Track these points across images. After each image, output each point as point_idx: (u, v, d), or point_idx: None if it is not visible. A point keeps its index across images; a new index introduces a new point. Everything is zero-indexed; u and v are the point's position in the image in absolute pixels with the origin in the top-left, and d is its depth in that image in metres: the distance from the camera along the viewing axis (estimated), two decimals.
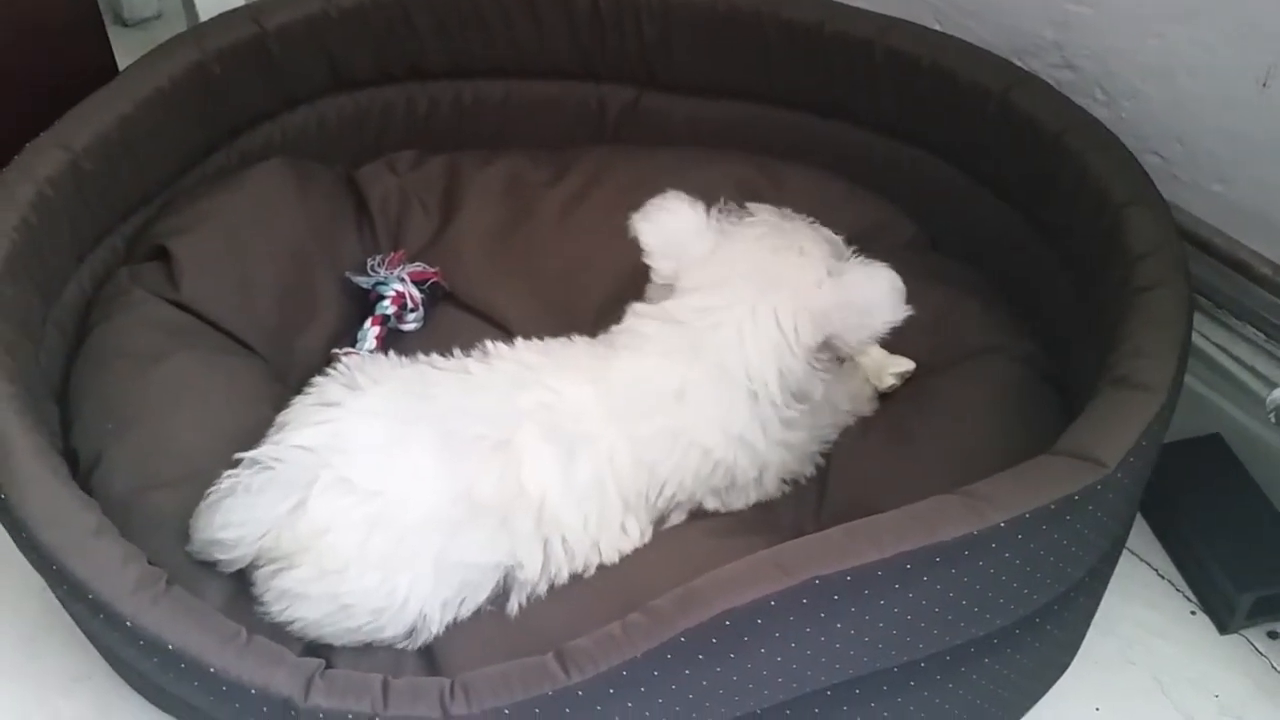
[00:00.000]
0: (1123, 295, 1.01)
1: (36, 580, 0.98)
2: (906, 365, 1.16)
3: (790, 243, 1.06)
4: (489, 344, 1.06)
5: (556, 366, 1.03)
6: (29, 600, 1.12)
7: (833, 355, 1.04)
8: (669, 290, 1.06)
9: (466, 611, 0.98)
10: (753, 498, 1.08)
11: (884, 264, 1.04)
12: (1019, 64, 1.22)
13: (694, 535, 1.06)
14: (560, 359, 1.04)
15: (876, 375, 1.15)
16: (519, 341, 1.08)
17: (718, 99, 1.37)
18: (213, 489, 0.96)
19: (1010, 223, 1.22)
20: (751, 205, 1.11)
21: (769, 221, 1.09)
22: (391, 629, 0.95)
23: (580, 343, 1.08)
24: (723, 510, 1.07)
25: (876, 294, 1.01)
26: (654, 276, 1.06)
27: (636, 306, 1.07)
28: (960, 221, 1.28)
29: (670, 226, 1.06)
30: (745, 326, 1.01)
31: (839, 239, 1.10)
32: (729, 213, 1.09)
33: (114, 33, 1.42)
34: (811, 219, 1.11)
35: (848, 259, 1.07)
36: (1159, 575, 1.18)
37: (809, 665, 0.86)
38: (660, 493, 1.03)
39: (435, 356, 1.06)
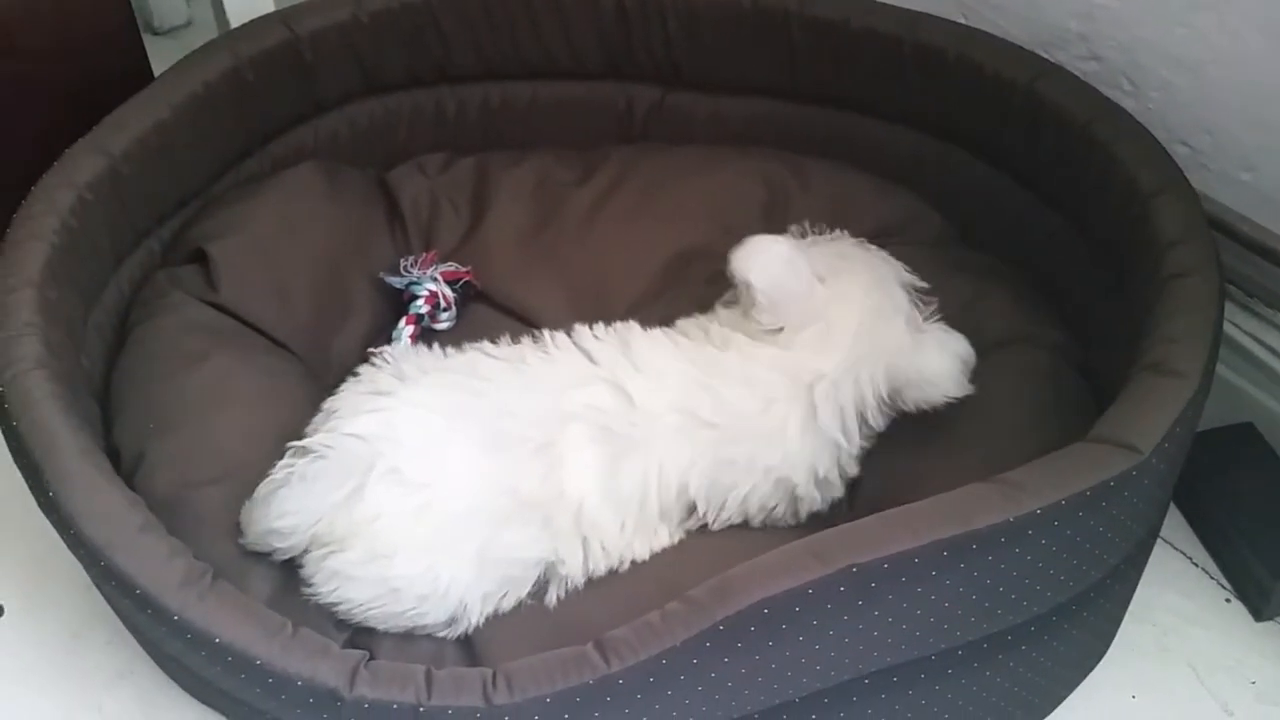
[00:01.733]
0: (1153, 283, 1.01)
1: (81, 577, 1.00)
2: None
3: (888, 302, 1.08)
4: (546, 334, 1.07)
5: (634, 368, 1.04)
6: (73, 597, 1.14)
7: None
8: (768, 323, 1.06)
9: (508, 605, 1.00)
10: (801, 520, 1.09)
11: (960, 336, 1.08)
12: (1045, 56, 1.23)
13: (730, 528, 1.06)
14: (642, 362, 1.04)
15: None
16: (583, 330, 1.08)
17: (743, 96, 1.38)
18: (266, 480, 0.98)
19: (1038, 214, 1.22)
20: (833, 234, 1.13)
21: (866, 264, 1.10)
22: (434, 615, 0.97)
23: (664, 345, 1.07)
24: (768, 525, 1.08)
25: (945, 367, 1.05)
26: (757, 317, 1.06)
27: (742, 342, 1.06)
28: (988, 214, 1.28)
29: (784, 282, 1.05)
30: (846, 387, 1.04)
31: (912, 278, 1.11)
32: (815, 237, 1.12)
33: (151, 44, 1.44)
34: (888, 254, 1.12)
35: (928, 316, 1.09)
36: (1193, 564, 1.18)
37: (847, 653, 0.87)
38: (719, 513, 1.05)
39: (486, 343, 1.07)
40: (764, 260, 1.06)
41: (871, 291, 1.07)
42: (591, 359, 1.04)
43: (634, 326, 1.09)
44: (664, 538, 1.04)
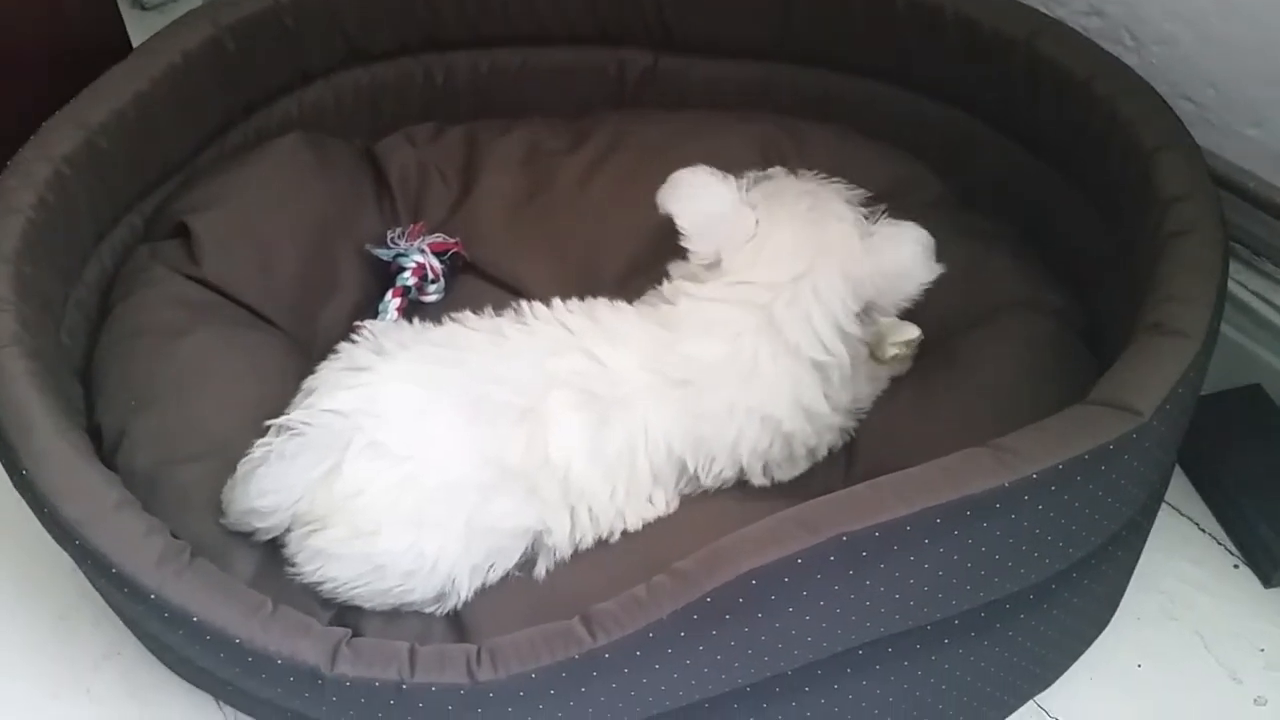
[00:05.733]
0: (1155, 242, 0.98)
1: (66, 559, 0.98)
2: (911, 333, 1.12)
3: (826, 210, 1.06)
4: (525, 304, 1.05)
5: (603, 335, 1.02)
6: (59, 578, 1.12)
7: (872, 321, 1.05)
8: (703, 270, 1.05)
9: (495, 577, 0.98)
10: (801, 468, 1.07)
11: (911, 223, 1.04)
12: (1044, 12, 1.19)
13: (721, 499, 1.05)
14: (608, 328, 1.03)
15: (878, 345, 1.12)
16: (557, 303, 1.06)
17: (736, 59, 1.35)
18: (245, 459, 0.96)
19: (1039, 174, 1.20)
20: (770, 170, 1.10)
21: (799, 188, 1.08)
22: (421, 591, 0.95)
23: (628, 312, 1.06)
24: (767, 485, 1.06)
25: (908, 257, 1.02)
26: (691, 257, 1.05)
27: (687, 287, 1.05)
28: (988, 175, 1.25)
29: (706, 207, 1.05)
30: (810, 302, 1.01)
31: (858, 193, 1.09)
32: (752, 180, 1.08)
33: (133, 17, 1.42)
34: (825, 175, 1.10)
35: (876, 219, 1.06)
36: (1200, 529, 1.15)
37: (839, 624, 0.85)
38: (710, 467, 1.02)
39: (468, 314, 1.06)
40: (683, 190, 1.05)
41: (801, 199, 1.06)
42: (567, 328, 1.03)
43: (600, 301, 1.07)
44: (660, 504, 1.02)
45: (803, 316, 1.01)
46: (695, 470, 1.03)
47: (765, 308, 1.01)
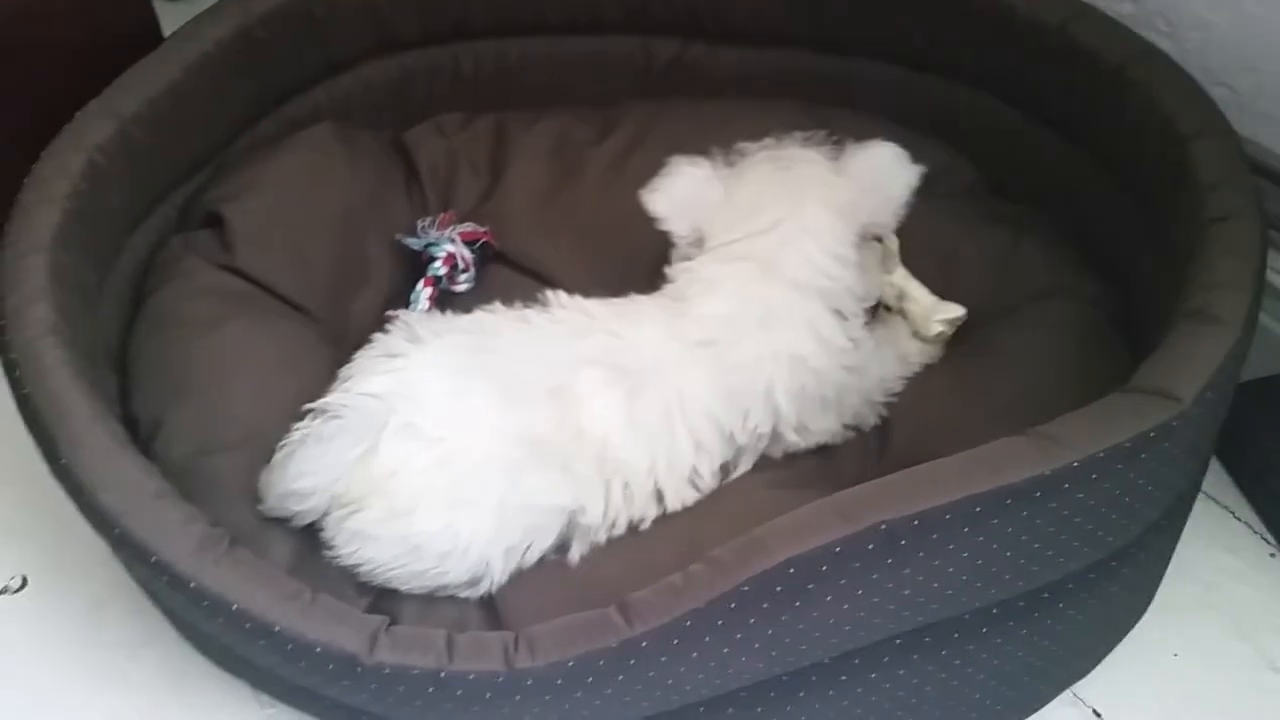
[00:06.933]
0: (1193, 228, 0.98)
1: (103, 547, 0.98)
2: (955, 311, 1.13)
3: (790, 157, 1.08)
4: (549, 293, 1.07)
5: (622, 316, 1.04)
6: (95, 568, 1.13)
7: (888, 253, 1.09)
8: (695, 250, 1.07)
9: (530, 559, 0.98)
10: (832, 424, 1.07)
11: (875, 140, 1.07)
12: None
13: (755, 487, 1.04)
14: (626, 311, 1.05)
15: (923, 322, 1.13)
16: (578, 296, 1.07)
17: (765, 47, 1.34)
18: (283, 444, 0.97)
19: (1074, 161, 1.19)
20: (738, 145, 1.12)
21: (761, 146, 1.11)
22: (455, 573, 0.95)
23: (642, 299, 1.08)
24: (801, 445, 1.07)
25: (883, 168, 1.05)
26: (675, 240, 1.08)
27: (683, 264, 1.07)
28: (1023, 162, 1.24)
29: (676, 189, 1.07)
30: (800, 238, 1.03)
31: (818, 135, 1.11)
32: (725, 159, 1.10)
33: (164, 7, 1.42)
34: (791, 134, 1.11)
35: (842, 150, 1.08)
36: (1236, 518, 1.14)
37: (877, 613, 0.84)
38: (745, 422, 1.03)
39: (497, 304, 1.07)
40: (663, 184, 1.07)
41: (761, 154, 1.09)
42: (588, 313, 1.05)
43: (611, 299, 1.08)
44: (705, 478, 1.03)
45: (797, 251, 1.03)
46: (731, 431, 1.03)
47: (756, 256, 1.03)
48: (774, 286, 1.03)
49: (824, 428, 1.07)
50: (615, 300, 1.08)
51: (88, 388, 0.94)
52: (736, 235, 1.05)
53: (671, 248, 1.09)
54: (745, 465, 1.06)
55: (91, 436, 0.91)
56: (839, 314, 1.05)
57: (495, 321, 1.05)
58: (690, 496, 1.02)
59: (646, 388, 1.00)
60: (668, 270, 1.08)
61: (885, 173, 1.04)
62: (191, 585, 0.84)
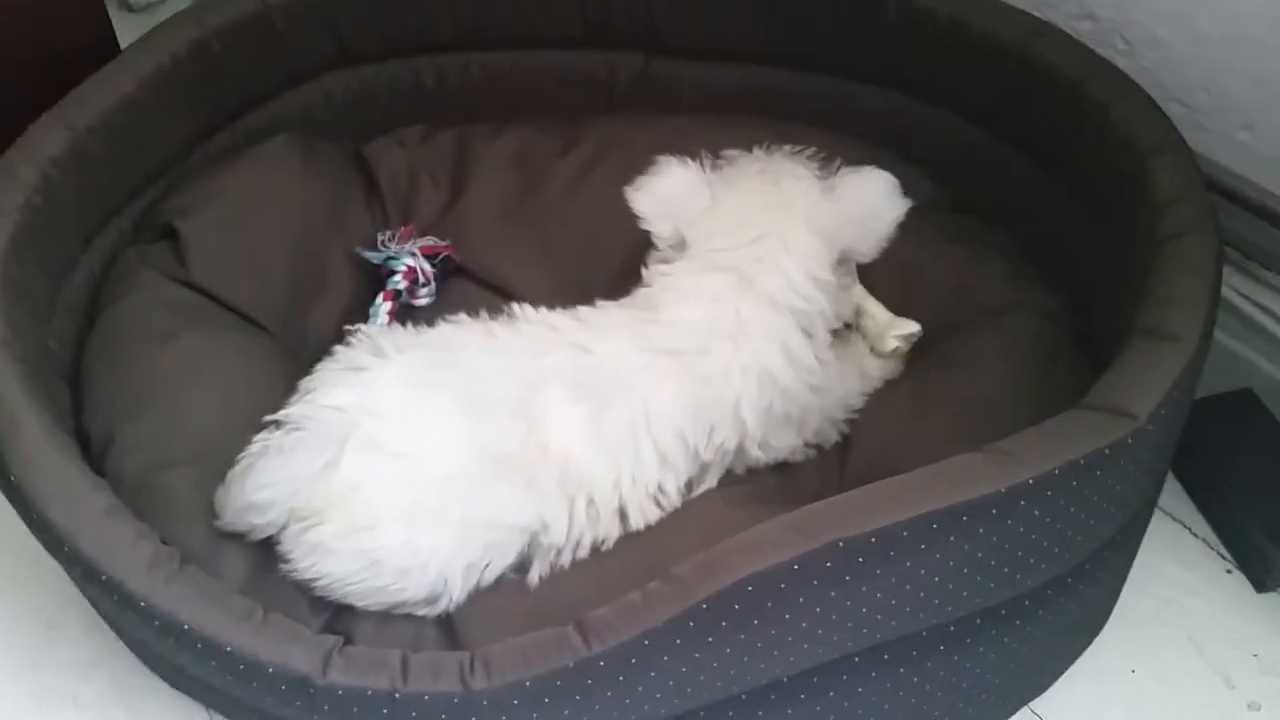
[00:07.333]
0: (1149, 245, 0.98)
1: (53, 566, 0.97)
2: (910, 327, 1.13)
3: (780, 170, 1.08)
4: (515, 306, 1.06)
5: (588, 328, 1.03)
6: (46, 586, 1.11)
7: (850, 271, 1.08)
8: (674, 253, 1.06)
9: (489, 578, 0.97)
10: (794, 440, 1.07)
11: (870, 167, 1.06)
12: (1037, 15, 1.19)
13: (716, 504, 1.04)
14: (592, 322, 1.05)
15: (879, 339, 1.13)
16: (542, 309, 1.07)
17: (728, 63, 1.34)
18: (242, 455, 0.96)
19: (1032, 177, 1.19)
20: (724, 153, 1.11)
21: (752, 157, 1.10)
22: (414, 590, 0.95)
23: (611, 307, 1.07)
24: (764, 460, 1.06)
25: (874, 197, 1.04)
26: (656, 241, 1.07)
27: (660, 268, 1.07)
28: (981, 178, 1.25)
29: (663, 189, 1.07)
30: (779, 255, 1.03)
31: (809, 151, 1.10)
32: (712, 165, 1.10)
33: (121, 19, 1.41)
34: (785, 147, 1.11)
35: (834, 171, 1.08)
36: (1193, 535, 1.15)
37: (835, 630, 0.84)
38: (710, 437, 1.02)
39: (463, 316, 1.06)
40: (651, 184, 1.07)
41: (753, 166, 1.08)
42: (552, 327, 1.04)
43: (580, 307, 1.08)
44: (670, 494, 1.02)
45: (775, 269, 1.02)
46: (696, 446, 1.02)
47: (735, 269, 1.03)
48: (748, 301, 1.02)
49: (787, 444, 1.07)
50: (582, 310, 1.07)
51: (38, 403, 0.93)
52: (718, 245, 1.04)
53: (647, 252, 1.09)
54: (710, 481, 1.05)
55: (41, 453, 0.89)
56: (808, 334, 1.04)
57: (459, 336, 1.04)
58: (654, 514, 1.02)
59: (611, 403, 0.99)
60: (644, 273, 1.07)
61: (874, 202, 1.03)
62: (142, 604, 0.83)
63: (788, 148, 1.10)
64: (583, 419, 0.99)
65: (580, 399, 0.99)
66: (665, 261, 1.06)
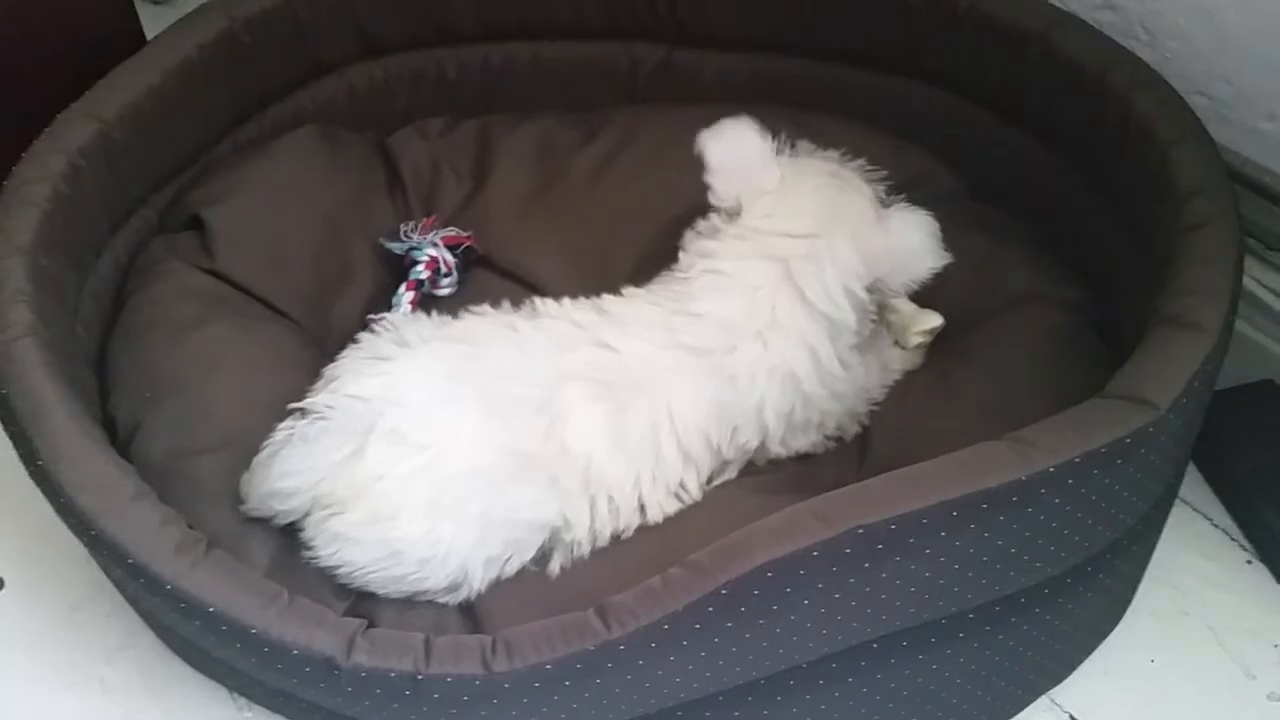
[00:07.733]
0: (1171, 235, 0.98)
1: (81, 549, 0.98)
2: (934, 321, 1.13)
3: (848, 181, 1.08)
4: (537, 301, 1.06)
5: (612, 324, 1.03)
6: (73, 569, 1.13)
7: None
8: (724, 220, 1.06)
9: (510, 570, 0.98)
10: (815, 438, 1.07)
11: (923, 210, 1.05)
12: (1059, 6, 1.19)
13: (736, 493, 1.04)
14: (617, 317, 1.04)
15: (903, 333, 1.13)
16: (567, 301, 1.07)
17: (750, 53, 1.34)
18: (267, 443, 0.97)
19: (1054, 168, 1.19)
20: (799, 144, 1.11)
21: (825, 159, 1.10)
22: (434, 580, 0.95)
23: (638, 295, 1.07)
24: (784, 454, 1.07)
25: (918, 241, 1.03)
26: (712, 197, 1.06)
27: (703, 245, 1.06)
28: (1001, 169, 1.25)
29: (738, 149, 1.06)
30: (825, 260, 1.02)
31: (880, 174, 1.10)
32: (785, 148, 1.09)
33: (147, 10, 1.42)
34: (852, 157, 1.11)
35: (891, 203, 1.07)
36: (1214, 525, 1.15)
37: (854, 617, 0.84)
38: (732, 438, 1.02)
39: (486, 307, 1.07)
40: (719, 131, 1.06)
41: (827, 163, 1.08)
42: (576, 324, 1.03)
43: (606, 296, 1.07)
44: (692, 491, 1.03)
45: (817, 272, 1.02)
46: (719, 445, 1.03)
47: (783, 260, 1.02)
48: (785, 297, 1.02)
49: (808, 440, 1.08)
50: (607, 300, 1.06)
51: (66, 389, 0.94)
52: (776, 228, 1.03)
53: (683, 233, 1.08)
54: (731, 474, 1.06)
55: (69, 438, 0.91)
56: (836, 341, 1.04)
57: (483, 329, 1.04)
58: (674, 507, 1.02)
59: (634, 402, 0.99)
60: (682, 256, 1.07)
61: (916, 245, 1.03)
62: (169, 587, 0.84)
63: (862, 161, 1.10)
64: (605, 419, 0.99)
65: (602, 398, 0.99)
66: (711, 233, 1.06)
